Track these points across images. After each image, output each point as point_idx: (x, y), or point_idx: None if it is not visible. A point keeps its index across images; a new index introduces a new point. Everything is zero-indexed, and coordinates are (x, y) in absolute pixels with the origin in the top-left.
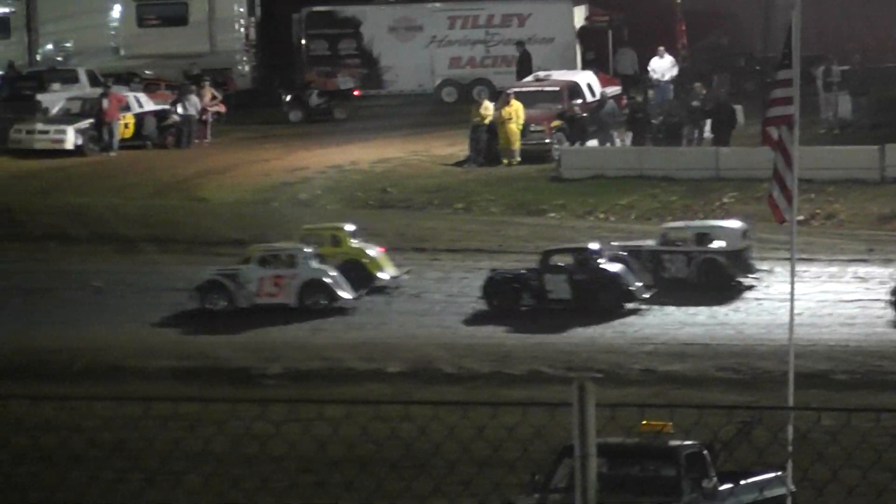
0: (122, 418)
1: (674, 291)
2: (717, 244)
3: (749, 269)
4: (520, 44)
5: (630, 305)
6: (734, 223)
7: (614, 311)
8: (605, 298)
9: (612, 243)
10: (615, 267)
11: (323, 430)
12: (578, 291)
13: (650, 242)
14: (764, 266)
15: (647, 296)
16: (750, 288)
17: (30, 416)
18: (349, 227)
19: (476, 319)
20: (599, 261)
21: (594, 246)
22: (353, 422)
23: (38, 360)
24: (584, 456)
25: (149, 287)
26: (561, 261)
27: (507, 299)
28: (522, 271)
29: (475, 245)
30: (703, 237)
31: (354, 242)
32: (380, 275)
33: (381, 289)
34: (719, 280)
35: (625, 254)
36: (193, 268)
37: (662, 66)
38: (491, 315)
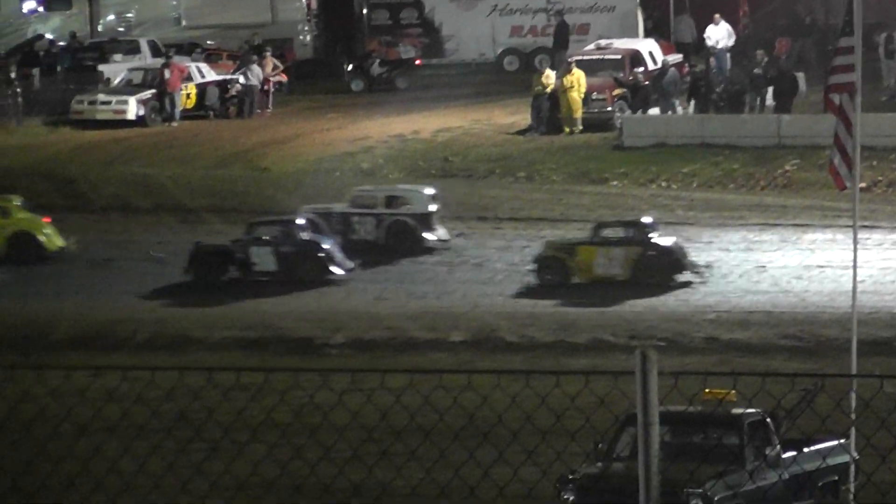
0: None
1: (363, 253)
2: (406, 208)
3: (431, 229)
4: (558, 13)
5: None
6: (423, 188)
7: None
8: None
9: (306, 207)
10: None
11: (385, 400)
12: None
13: (339, 206)
14: (827, 234)
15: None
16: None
17: (93, 387)
18: (17, 199)
19: (538, 289)
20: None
21: None
22: (415, 391)
23: (101, 331)
24: (647, 424)
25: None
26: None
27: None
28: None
29: (537, 214)
30: (393, 200)
31: (24, 214)
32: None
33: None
34: (407, 243)
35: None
36: None
37: (718, 34)
38: (552, 285)
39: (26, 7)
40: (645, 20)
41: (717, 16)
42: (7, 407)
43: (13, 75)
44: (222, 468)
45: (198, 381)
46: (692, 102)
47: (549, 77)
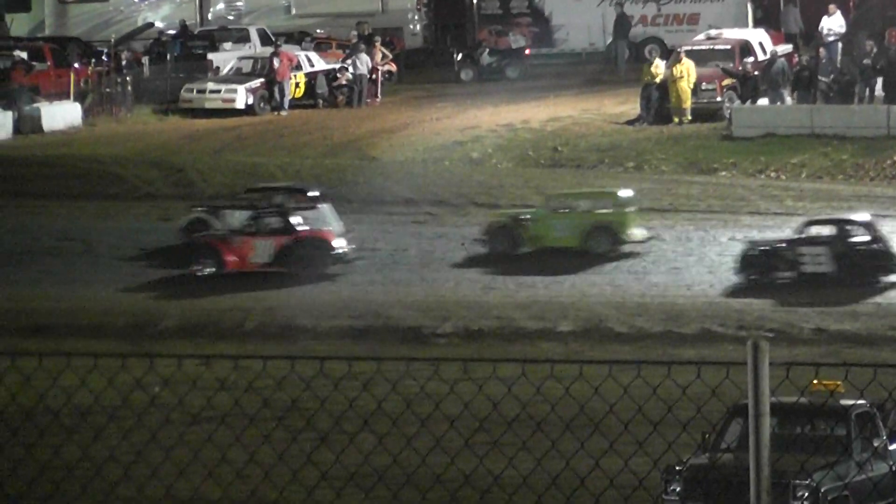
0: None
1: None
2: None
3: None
4: (618, 4)
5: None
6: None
7: None
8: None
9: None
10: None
11: (497, 390)
12: None
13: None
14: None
15: None
16: None
17: (205, 376)
18: None
19: (647, 278)
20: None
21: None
22: (526, 381)
23: (211, 320)
24: (757, 415)
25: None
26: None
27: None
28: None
29: (646, 204)
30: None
31: None
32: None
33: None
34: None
35: None
36: (365, 226)
37: (833, 24)
38: (661, 273)
39: None
40: (755, 10)
41: (832, 6)
42: (120, 396)
43: (123, 62)
44: (333, 458)
45: (309, 370)
46: (795, 93)
47: (659, 67)
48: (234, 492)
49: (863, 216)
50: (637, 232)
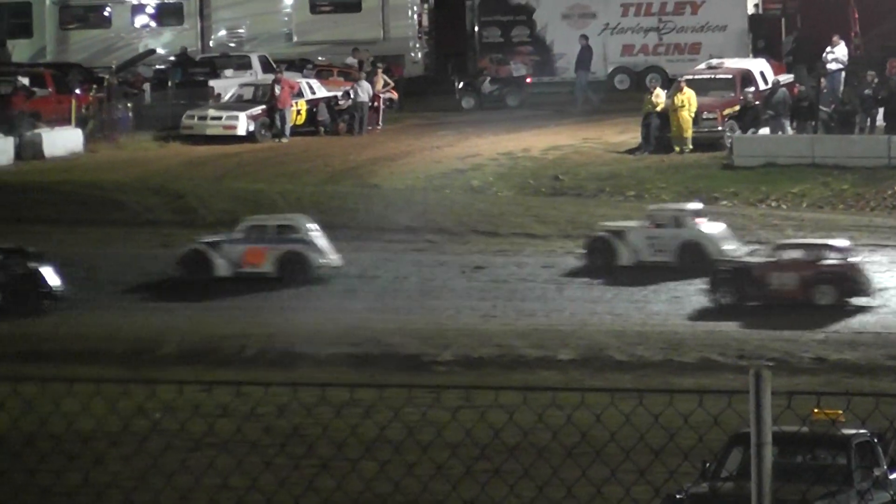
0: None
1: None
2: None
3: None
4: (583, 36)
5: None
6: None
7: None
8: None
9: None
10: None
11: (498, 417)
12: None
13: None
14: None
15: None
16: None
17: (206, 403)
18: None
19: (646, 307)
20: None
21: None
22: (528, 409)
23: (211, 346)
24: (760, 444)
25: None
26: None
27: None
28: None
29: None
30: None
31: None
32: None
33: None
34: None
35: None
36: (366, 254)
37: (837, 55)
38: (661, 302)
39: (138, 22)
40: (756, 40)
41: (835, 37)
42: (121, 422)
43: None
44: (334, 485)
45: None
46: (795, 123)
47: (660, 96)
48: None
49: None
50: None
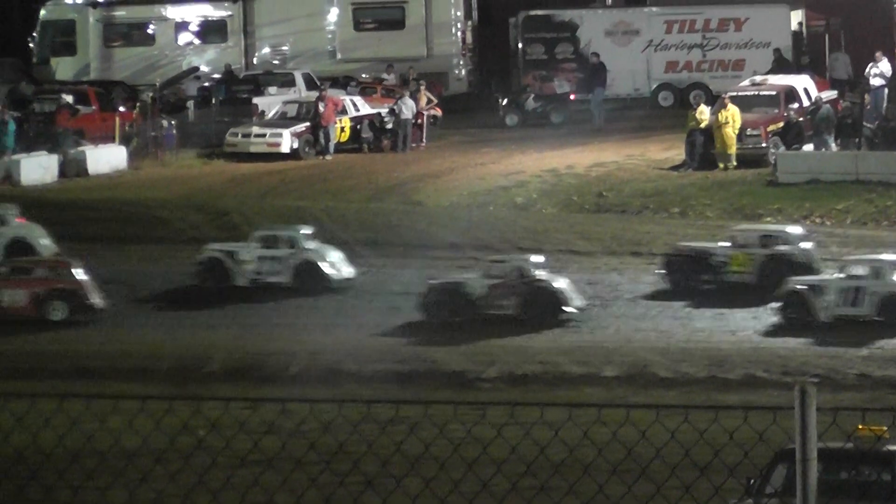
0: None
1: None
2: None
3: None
4: (594, 54)
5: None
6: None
7: None
8: None
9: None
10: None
11: (544, 434)
12: None
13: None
14: None
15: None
16: None
17: (251, 420)
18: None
19: (690, 323)
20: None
21: None
22: (573, 425)
23: (256, 363)
24: (805, 460)
25: (365, 290)
26: None
27: None
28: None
29: None
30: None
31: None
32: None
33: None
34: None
35: None
36: (409, 271)
37: (881, 70)
38: (705, 318)
39: (182, 39)
40: (801, 56)
41: (878, 53)
42: (167, 439)
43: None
44: (379, 502)
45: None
46: (838, 139)
47: (704, 112)
48: None
49: (794, 228)
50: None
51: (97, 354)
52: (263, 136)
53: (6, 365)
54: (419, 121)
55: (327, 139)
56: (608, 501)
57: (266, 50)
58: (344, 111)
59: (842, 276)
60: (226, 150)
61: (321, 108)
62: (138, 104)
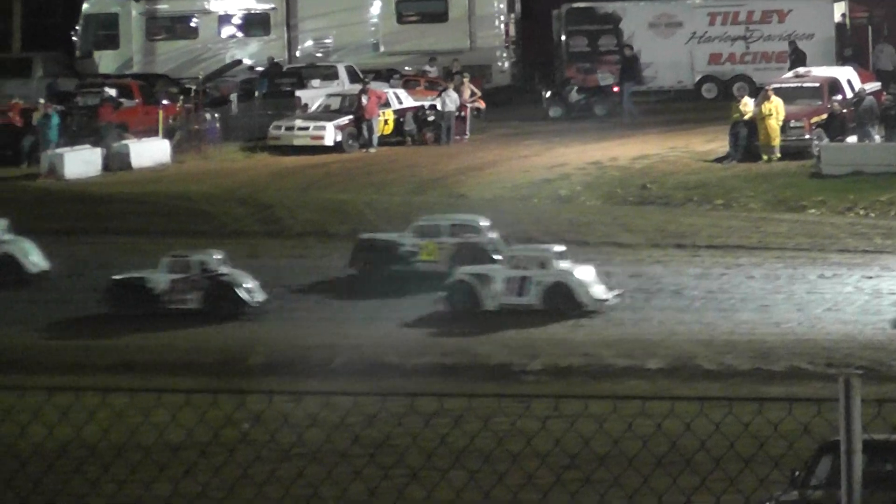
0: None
1: None
2: None
3: None
4: (628, 46)
5: None
6: None
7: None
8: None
9: None
10: None
11: (588, 427)
12: None
13: None
14: None
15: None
16: None
17: (295, 413)
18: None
19: (734, 315)
20: None
21: None
22: (617, 418)
23: (299, 356)
24: (849, 452)
25: (406, 283)
26: None
27: None
28: None
29: (735, 242)
30: None
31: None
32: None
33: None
34: None
35: None
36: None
37: None
38: (749, 310)
39: (225, 32)
40: (843, 48)
41: None
42: (211, 432)
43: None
44: (424, 494)
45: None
46: (882, 131)
47: (747, 104)
48: None
49: (482, 218)
50: None
51: (141, 349)
52: (307, 129)
53: (52, 360)
54: (463, 113)
55: (370, 132)
56: (653, 494)
57: (309, 43)
58: (387, 104)
59: (507, 266)
60: (269, 143)
61: (364, 100)
62: (192, 94)
